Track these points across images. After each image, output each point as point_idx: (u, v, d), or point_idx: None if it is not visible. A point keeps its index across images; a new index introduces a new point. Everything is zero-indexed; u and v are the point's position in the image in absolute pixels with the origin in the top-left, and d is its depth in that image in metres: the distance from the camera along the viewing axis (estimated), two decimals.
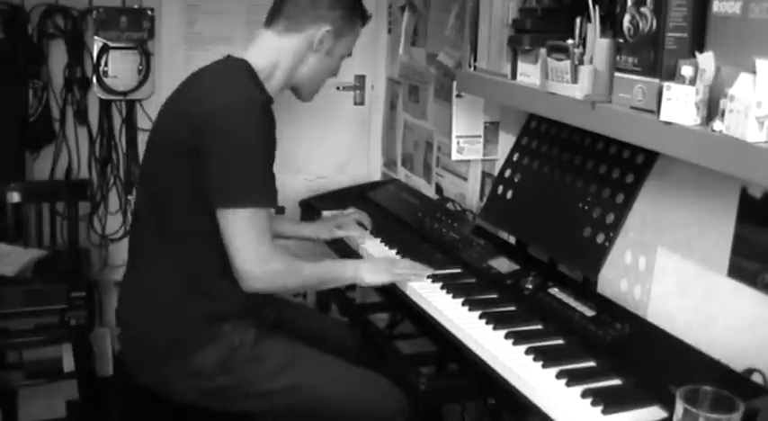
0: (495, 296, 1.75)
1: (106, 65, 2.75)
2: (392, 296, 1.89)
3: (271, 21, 1.80)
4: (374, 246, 2.10)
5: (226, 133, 1.60)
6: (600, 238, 1.69)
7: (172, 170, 1.68)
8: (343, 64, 1.93)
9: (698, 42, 1.23)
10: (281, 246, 1.71)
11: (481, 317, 1.63)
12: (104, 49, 2.74)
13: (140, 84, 2.79)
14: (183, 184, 1.67)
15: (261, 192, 1.64)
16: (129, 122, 2.85)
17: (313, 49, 1.79)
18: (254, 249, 1.63)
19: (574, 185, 1.81)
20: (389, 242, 2.13)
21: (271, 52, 1.78)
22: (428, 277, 1.85)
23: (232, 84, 1.69)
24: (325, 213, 2.49)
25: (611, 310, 1.59)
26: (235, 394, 1.72)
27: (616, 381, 1.38)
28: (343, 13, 1.80)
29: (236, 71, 1.73)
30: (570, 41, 1.48)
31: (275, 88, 1.80)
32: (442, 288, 1.79)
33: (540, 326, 1.59)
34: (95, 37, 2.74)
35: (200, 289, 1.72)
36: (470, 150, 2.32)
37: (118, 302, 1.89)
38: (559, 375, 1.38)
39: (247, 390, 1.71)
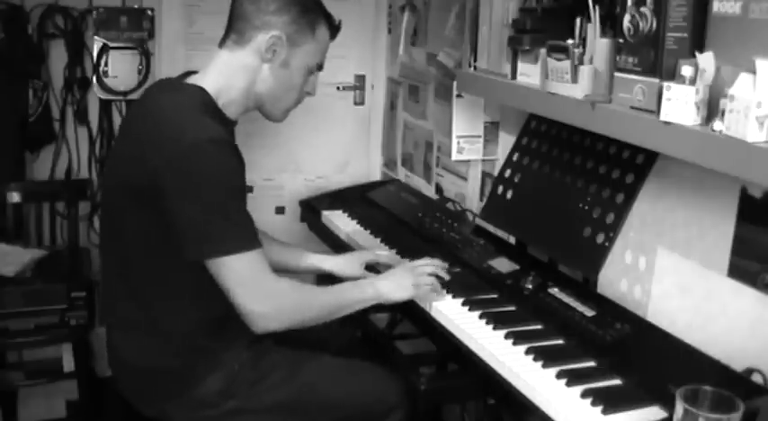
0: (495, 296, 1.75)
1: (106, 65, 2.75)
2: None
3: (223, 40, 1.71)
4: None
5: (193, 177, 1.50)
6: (600, 238, 1.69)
7: (131, 218, 1.60)
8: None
9: (698, 42, 1.23)
10: (286, 278, 1.61)
11: (481, 317, 1.63)
12: (104, 49, 2.74)
13: (140, 84, 2.78)
14: (143, 232, 1.60)
15: (242, 236, 1.54)
16: None
17: (265, 59, 1.67)
18: (254, 292, 1.54)
19: (574, 185, 1.81)
20: (389, 242, 2.13)
21: (224, 71, 1.67)
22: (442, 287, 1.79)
23: (189, 120, 1.56)
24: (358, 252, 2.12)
25: (611, 310, 1.59)
26: (243, 414, 1.69)
27: (616, 381, 1.38)
28: (292, 18, 1.66)
29: (191, 102, 1.61)
30: (570, 41, 1.48)
31: (235, 112, 1.70)
32: (441, 288, 1.79)
33: (540, 326, 1.59)
34: (95, 37, 2.73)
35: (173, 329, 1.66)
36: (470, 150, 2.32)
37: (106, 330, 1.82)
38: (559, 375, 1.38)
39: (254, 408, 1.69)
